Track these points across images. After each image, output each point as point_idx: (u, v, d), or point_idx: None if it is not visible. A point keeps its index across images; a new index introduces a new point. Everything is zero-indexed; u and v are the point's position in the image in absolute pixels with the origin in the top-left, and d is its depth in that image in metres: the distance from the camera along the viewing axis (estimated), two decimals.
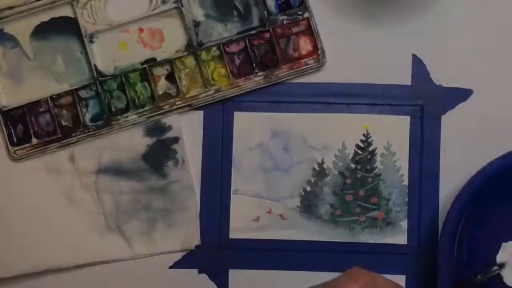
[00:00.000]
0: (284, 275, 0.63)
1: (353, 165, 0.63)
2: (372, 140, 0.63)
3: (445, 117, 0.63)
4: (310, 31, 0.63)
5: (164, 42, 0.63)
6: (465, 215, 0.58)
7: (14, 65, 0.63)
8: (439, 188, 0.62)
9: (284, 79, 0.63)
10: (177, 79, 0.63)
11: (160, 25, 0.63)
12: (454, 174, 0.62)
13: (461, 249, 0.60)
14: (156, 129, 0.63)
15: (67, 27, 0.63)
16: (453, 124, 0.63)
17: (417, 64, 0.63)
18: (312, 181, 0.63)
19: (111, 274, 0.63)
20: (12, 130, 0.63)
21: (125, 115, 0.63)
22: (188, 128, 0.63)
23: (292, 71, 0.63)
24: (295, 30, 0.63)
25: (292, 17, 0.62)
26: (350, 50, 0.63)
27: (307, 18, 0.62)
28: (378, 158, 0.63)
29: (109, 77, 0.63)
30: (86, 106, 0.63)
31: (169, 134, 0.63)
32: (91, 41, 0.63)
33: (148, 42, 0.63)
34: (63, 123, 0.63)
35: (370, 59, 0.63)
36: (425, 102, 0.63)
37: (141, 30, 0.63)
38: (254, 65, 0.62)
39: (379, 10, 0.63)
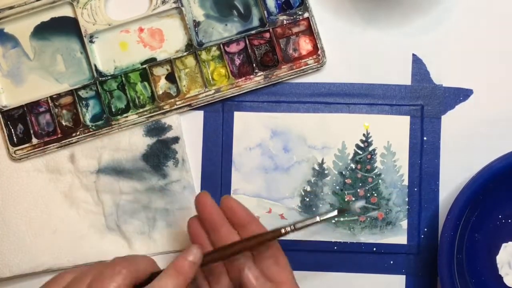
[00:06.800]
0: None
1: (353, 165, 0.63)
2: (372, 140, 0.63)
3: (445, 117, 0.63)
4: (310, 31, 0.63)
5: (164, 42, 0.63)
6: (465, 215, 0.58)
7: (14, 65, 0.63)
8: (439, 188, 0.62)
9: (284, 79, 0.63)
10: (177, 79, 0.62)
11: (160, 25, 0.63)
12: (454, 174, 0.62)
13: (461, 249, 0.60)
14: (156, 129, 0.63)
15: (67, 27, 0.63)
16: (453, 124, 0.63)
17: (417, 64, 0.63)
18: (312, 181, 0.63)
19: None
20: (12, 130, 0.63)
21: (125, 115, 0.63)
22: (188, 128, 0.63)
23: (292, 71, 0.62)
24: (295, 30, 0.63)
25: (292, 17, 0.62)
26: (350, 50, 0.63)
27: (307, 18, 0.62)
28: (378, 158, 0.63)
29: (109, 77, 0.63)
30: (86, 106, 0.63)
31: (169, 134, 0.63)
32: (91, 41, 0.63)
33: (148, 42, 0.63)
34: (63, 123, 0.63)
35: (370, 59, 0.63)
36: (425, 102, 0.63)
37: (141, 30, 0.63)
38: (254, 65, 0.62)
39: (379, 10, 0.63)
